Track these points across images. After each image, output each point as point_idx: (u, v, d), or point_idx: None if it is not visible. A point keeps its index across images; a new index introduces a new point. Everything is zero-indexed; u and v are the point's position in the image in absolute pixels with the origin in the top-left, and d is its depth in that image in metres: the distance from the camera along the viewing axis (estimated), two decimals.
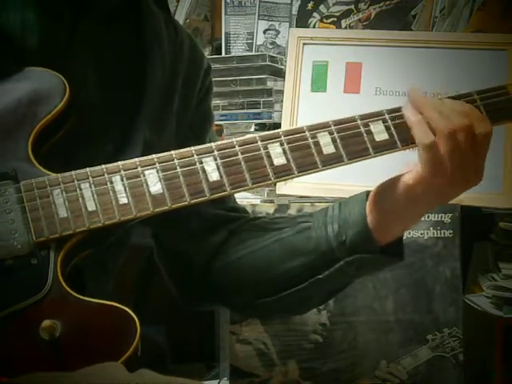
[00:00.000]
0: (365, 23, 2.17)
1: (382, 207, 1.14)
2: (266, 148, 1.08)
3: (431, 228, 1.70)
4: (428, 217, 1.70)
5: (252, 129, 2.05)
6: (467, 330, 1.69)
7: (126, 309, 1.00)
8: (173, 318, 2.53)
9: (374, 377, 1.69)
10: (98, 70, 1.18)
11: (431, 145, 1.06)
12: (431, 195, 1.11)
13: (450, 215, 1.70)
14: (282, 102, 1.94)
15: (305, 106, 1.90)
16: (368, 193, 1.17)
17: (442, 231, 1.70)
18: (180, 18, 2.22)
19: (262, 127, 2.03)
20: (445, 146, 1.06)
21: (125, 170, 1.04)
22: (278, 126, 1.93)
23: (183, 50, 1.31)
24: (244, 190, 1.07)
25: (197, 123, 1.34)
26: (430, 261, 1.70)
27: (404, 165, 1.12)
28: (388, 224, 1.14)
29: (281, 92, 1.98)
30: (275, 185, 1.80)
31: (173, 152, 1.06)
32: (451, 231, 1.70)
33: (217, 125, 2.00)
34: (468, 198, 1.71)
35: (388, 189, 1.13)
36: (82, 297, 1.00)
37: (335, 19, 2.21)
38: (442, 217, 1.70)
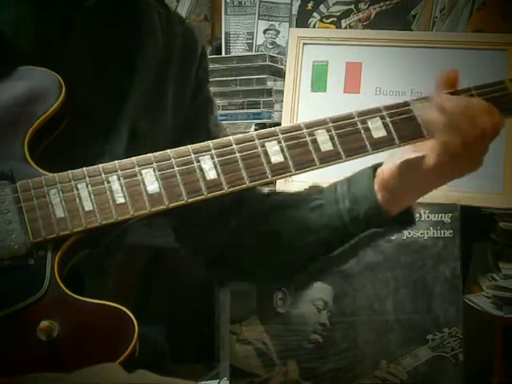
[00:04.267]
0: (365, 23, 2.17)
1: (391, 189, 1.15)
2: (263, 146, 1.07)
3: (431, 228, 1.70)
4: (428, 217, 1.69)
5: (252, 129, 2.04)
6: (467, 330, 1.69)
7: (124, 309, 0.99)
8: (173, 317, 2.53)
9: (373, 377, 1.69)
10: (93, 65, 1.17)
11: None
12: (440, 178, 1.13)
13: (449, 215, 1.70)
14: (282, 102, 1.94)
15: (305, 106, 1.91)
16: (374, 167, 1.18)
17: (442, 231, 1.70)
18: None
19: (262, 127, 2.02)
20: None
21: (121, 170, 1.03)
22: (278, 125, 1.93)
23: (176, 38, 1.29)
24: (242, 189, 1.06)
25: (198, 111, 1.33)
26: (430, 261, 1.70)
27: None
28: (397, 200, 1.16)
29: (281, 92, 1.98)
30: (275, 183, 1.80)
31: (169, 151, 1.06)
32: (451, 231, 1.70)
33: None
34: (468, 197, 1.72)
35: (395, 173, 1.14)
36: (79, 297, 1.00)
37: (335, 19, 2.20)
38: (442, 217, 1.70)
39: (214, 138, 1.28)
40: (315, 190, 1.25)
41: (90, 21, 1.17)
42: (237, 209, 1.30)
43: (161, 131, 1.24)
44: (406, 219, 1.19)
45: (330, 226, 1.20)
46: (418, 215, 1.68)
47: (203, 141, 1.17)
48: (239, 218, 1.30)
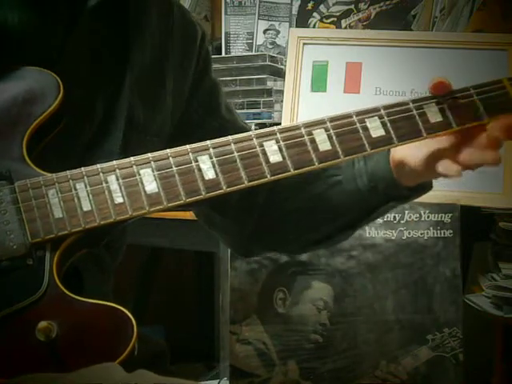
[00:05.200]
0: (365, 23, 2.17)
1: (405, 171, 1.17)
2: (261, 145, 1.07)
3: (431, 228, 1.70)
4: (428, 217, 1.69)
5: (252, 129, 2.04)
6: (467, 329, 1.68)
7: (123, 309, 0.99)
8: (172, 317, 2.53)
9: (373, 377, 1.68)
10: (93, 65, 1.17)
11: None
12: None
13: (449, 215, 1.70)
14: (282, 102, 1.94)
15: (305, 106, 1.91)
16: None
17: (442, 231, 1.70)
18: None
19: (262, 127, 2.01)
20: None
21: (120, 169, 1.03)
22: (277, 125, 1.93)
23: (174, 25, 1.28)
24: (240, 189, 1.06)
25: (206, 98, 1.34)
26: (430, 261, 1.69)
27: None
28: (413, 179, 1.19)
29: (281, 92, 1.98)
30: None
31: (168, 150, 1.05)
32: (451, 231, 1.70)
33: None
34: (468, 197, 1.72)
35: (410, 164, 1.16)
36: (78, 297, 1.00)
37: (335, 19, 2.20)
38: (442, 217, 1.70)
39: (228, 124, 1.33)
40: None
41: (92, 20, 1.17)
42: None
43: (161, 119, 1.24)
44: (423, 187, 1.21)
45: (350, 202, 1.24)
46: (417, 215, 1.68)
47: (217, 126, 1.23)
48: (266, 195, 1.32)
